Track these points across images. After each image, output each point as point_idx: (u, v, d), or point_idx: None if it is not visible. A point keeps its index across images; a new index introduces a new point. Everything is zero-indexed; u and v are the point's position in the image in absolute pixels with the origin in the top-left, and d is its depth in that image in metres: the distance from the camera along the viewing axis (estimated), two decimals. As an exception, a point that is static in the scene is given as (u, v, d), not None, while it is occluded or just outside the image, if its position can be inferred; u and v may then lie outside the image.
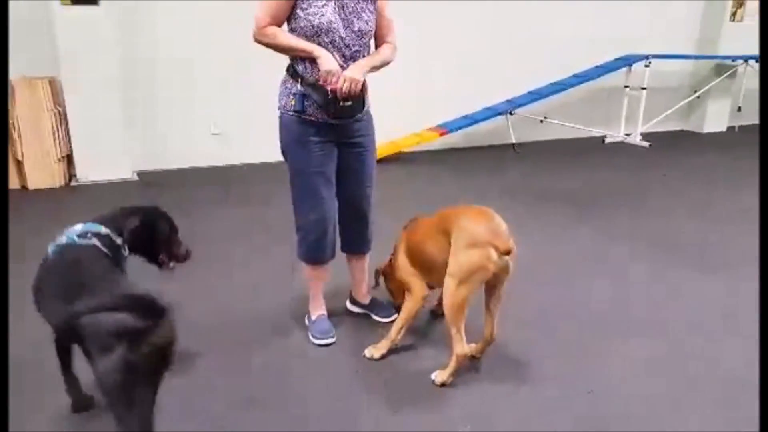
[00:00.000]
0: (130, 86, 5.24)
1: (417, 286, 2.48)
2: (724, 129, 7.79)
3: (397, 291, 2.68)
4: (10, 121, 4.96)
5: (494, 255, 2.15)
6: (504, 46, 6.45)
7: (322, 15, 2.25)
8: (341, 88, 2.25)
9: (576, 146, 6.81)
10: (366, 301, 2.84)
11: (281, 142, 2.50)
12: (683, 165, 6.01)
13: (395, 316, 2.63)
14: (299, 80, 2.35)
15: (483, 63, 6.42)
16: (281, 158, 2.55)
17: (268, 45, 2.33)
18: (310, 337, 2.64)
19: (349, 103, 2.33)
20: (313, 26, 2.26)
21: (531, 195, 4.85)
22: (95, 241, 1.91)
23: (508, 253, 2.17)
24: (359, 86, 2.29)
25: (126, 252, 2.03)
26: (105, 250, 1.91)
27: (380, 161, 5.63)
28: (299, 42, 2.30)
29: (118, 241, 1.99)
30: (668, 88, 7.33)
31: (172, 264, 2.24)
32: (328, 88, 2.28)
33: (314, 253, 2.58)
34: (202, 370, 2.40)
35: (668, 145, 6.91)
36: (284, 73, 2.43)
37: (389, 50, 2.46)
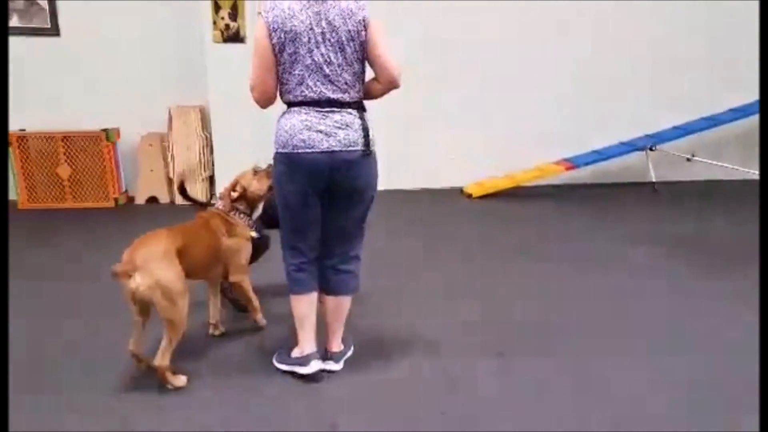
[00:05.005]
0: (265, 117, 5.70)
1: None
2: None
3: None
4: (166, 145, 5.65)
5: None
6: (644, 73, 6.00)
7: None
8: None
9: (728, 189, 6.06)
10: None
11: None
12: None
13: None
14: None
15: (617, 92, 6.01)
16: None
17: None
18: None
19: None
20: None
21: (661, 241, 4.39)
22: None
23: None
24: None
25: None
26: None
27: (496, 195, 5.59)
28: None
29: None
30: None
31: None
32: None
33: None
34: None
35: None
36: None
37: None
